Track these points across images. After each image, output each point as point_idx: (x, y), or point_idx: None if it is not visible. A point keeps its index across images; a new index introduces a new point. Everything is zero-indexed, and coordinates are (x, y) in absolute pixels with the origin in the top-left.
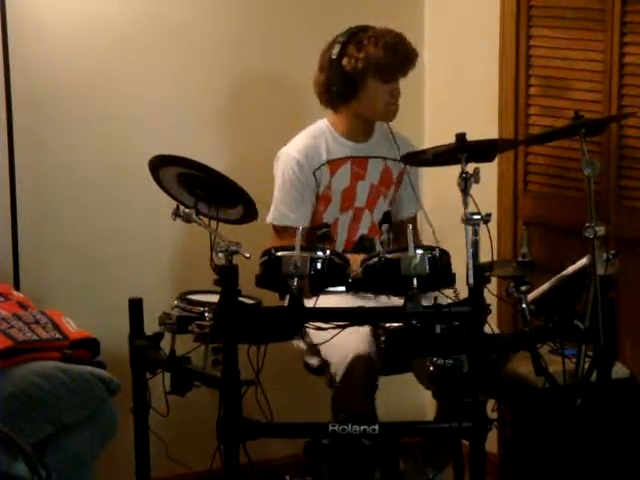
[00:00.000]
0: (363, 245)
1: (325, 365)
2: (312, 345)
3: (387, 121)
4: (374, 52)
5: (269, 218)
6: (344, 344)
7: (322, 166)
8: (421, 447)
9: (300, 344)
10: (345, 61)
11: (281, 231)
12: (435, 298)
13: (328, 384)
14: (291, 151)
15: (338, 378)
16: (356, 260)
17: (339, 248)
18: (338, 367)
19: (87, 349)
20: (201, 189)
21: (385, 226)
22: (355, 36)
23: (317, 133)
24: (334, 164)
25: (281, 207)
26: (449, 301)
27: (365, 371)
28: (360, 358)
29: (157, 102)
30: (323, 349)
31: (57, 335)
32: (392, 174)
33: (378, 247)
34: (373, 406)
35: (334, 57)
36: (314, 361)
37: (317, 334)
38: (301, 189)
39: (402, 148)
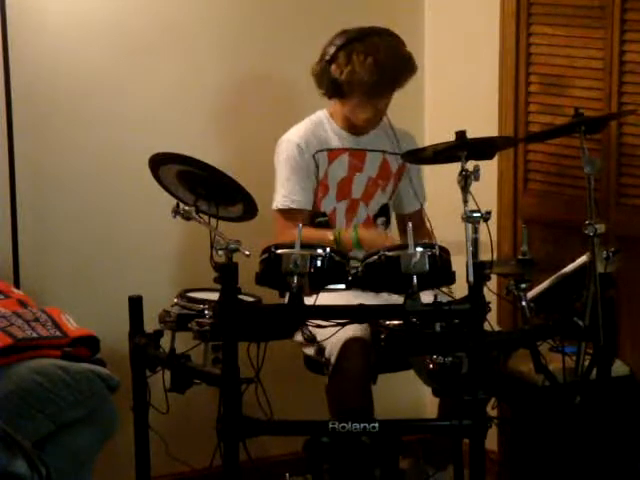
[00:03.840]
0: None
1: (321, 351)
2: (310, 336)
3: (369, 128)
4: (359, 70)
5: (274, 204)
6: (339, 330)
7: (321, 151)
8: (423, 446)
9: (298, 336)
10: (333, 68)
11: (287, 215)
12: (435, 296)
13: (324, 366)
14: (291, 136)
15: (333, 360)
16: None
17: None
18: (333, 349)
19: (87, 347)
20: (201, 187)
21: (380, 219)
22: (349, 45)
23: (316, 122)
24: (332, 153)
25: (284, 191)
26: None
27: (360, 353)
28: (355, 340)
29: (157, 100)
30: (320, 336)
31: (57, 333)
32: (391, 167)
33: None
34: (369, 394)
35: (327, 58)
36: (311, 351)
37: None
38: (302, 173)
39: (403, 143)
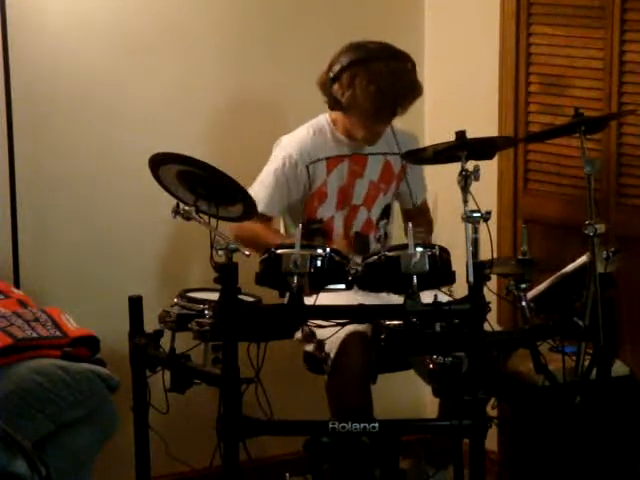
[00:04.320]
0: (356, 243)
1: (320, 347)
2: (309, 334)
3: (367, 145)
4: (360, 97)
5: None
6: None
7: (318, 162)
8: (423, 446)
9: (297, 333)
10: (336, 87)
11: None
12: (435, 296)
13: (323, 362)
14: (288, 144)
15: (332, 355)
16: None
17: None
18: (332, 344)
19: (87, 347)
20: (201, 187)
21: (382, 222)
22: (353, 66)
23: (317, 129)
24: (331, 161)
25: (256, 190)
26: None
27: (359, 348)
28: (354, 335)
29: (157, 100)
30: (320, 336)
31: (57, 333)
32: (393, 169)
33: (373, 244)
34: (369, 390)
35: (331, 75)
36: (310, 347)
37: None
38: (282, 184)
39: (405, 144)
